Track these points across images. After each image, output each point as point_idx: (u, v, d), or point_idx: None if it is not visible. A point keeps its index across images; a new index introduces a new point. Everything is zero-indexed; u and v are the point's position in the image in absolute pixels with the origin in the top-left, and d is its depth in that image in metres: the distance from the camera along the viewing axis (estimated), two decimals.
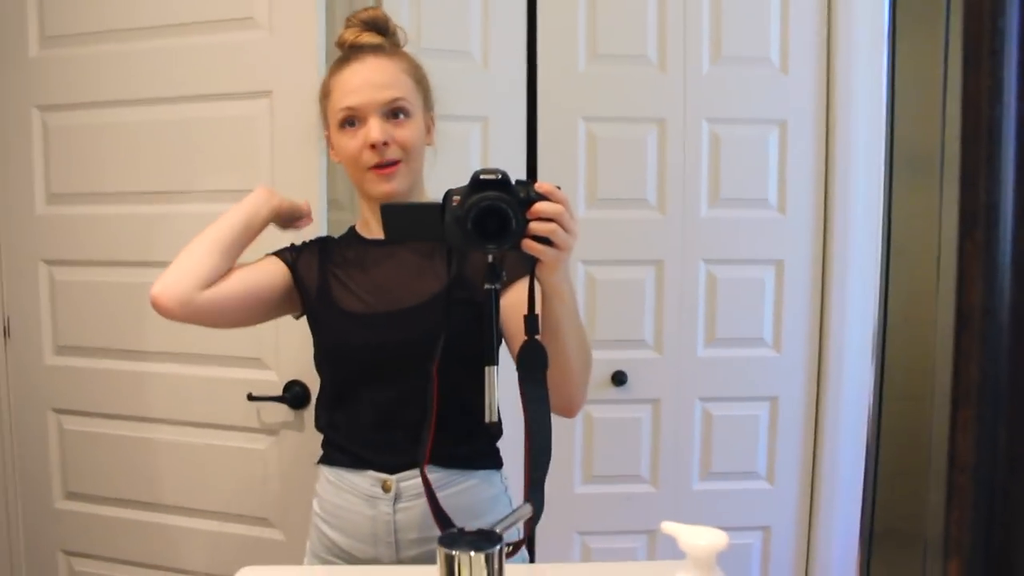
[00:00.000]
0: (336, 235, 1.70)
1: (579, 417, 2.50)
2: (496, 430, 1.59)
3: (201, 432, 2.21)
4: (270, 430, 2.14)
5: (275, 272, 1.58)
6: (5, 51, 2.31)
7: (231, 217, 1.56)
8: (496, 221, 1.17)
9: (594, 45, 2.44)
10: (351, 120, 1.50)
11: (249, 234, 1.57)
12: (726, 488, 2.57)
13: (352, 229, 1.66)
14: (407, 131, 1.51)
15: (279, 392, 2.08)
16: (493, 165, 1.21)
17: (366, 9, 1.60)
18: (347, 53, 1.56)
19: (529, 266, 1.24)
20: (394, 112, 1.50)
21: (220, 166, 2.12)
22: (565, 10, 2.44)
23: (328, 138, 1.59)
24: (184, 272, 1.48)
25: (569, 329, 1.30)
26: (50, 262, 2.34)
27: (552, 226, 1.18)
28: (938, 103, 2.45)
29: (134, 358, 2.26)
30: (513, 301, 1.37)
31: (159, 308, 1.48)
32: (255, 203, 1.59)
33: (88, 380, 2.32)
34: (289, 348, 2.05)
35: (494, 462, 1.60)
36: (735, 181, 2.49)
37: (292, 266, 1.59)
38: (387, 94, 1.50)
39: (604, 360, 2.47)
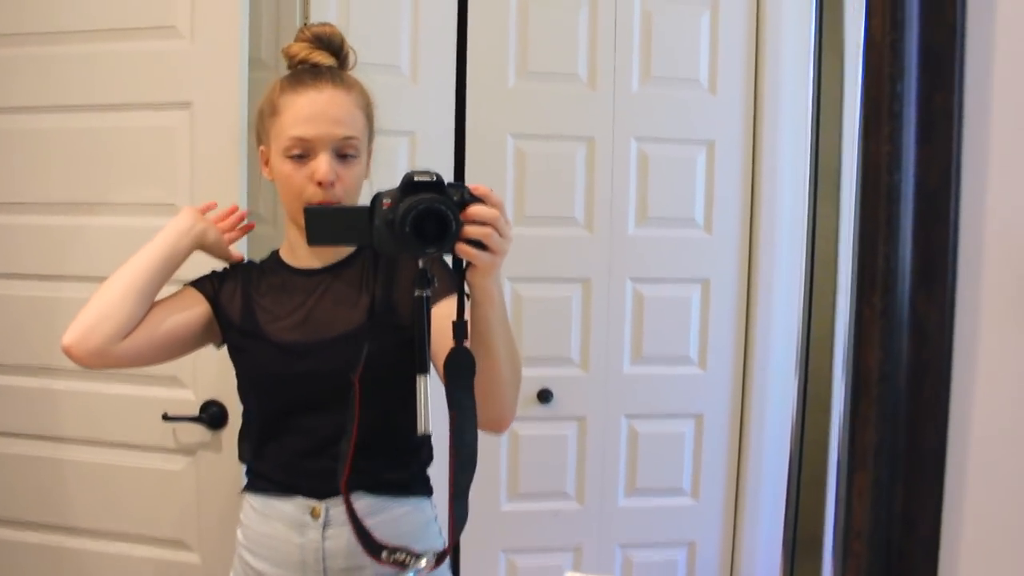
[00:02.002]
0: (257, 254, 1.66)
1: (505, 434, 2.50)
2: (426, 455, 1.57)
3: (114, 452, 2.14)
4: (187, 450, 2.08)
5: (195, 309, 1.54)
6: None
7: (150, 254, 1.50)
8: (435, 223, 1.14)
9: (524, 61, 2.43)
10: (300, 152, 1.45)
11: (169, 270, 1.52)
12: (651, 504, 2.58)
13: (276, 255, 1.62)
14: (353, 172, 1.49)
15: (196, 412, 2.03)
16: None
17: (321, 25, 1.55)
18: (299, 74, 1.50)
19: (455, 282, 1.22)
20: (344, 151, 1.46)
21: (137, 178, 2.06)
22: (495, 26, 2.42)
23: (263, 153, 1.54)
24: (98, 321, 1.43)
25: (500, 335, 1.28)
26: None
27: (487, 230, 1.15)
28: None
29: (44, 375, 2.18)
30: (440, 316, 1.33)
31: (73, 359, 1.44)
32: (176, 234, 1.53)
33: None
34: (207, 367, 1.99)
35: (425, 489, 1.58)
36: (663, 200, 2.50)
37: (213, 300, 1.55)
38: (341, 131, 1.46)
39: (530, 377, 2.45)
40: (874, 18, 0.97)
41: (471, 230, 1.15)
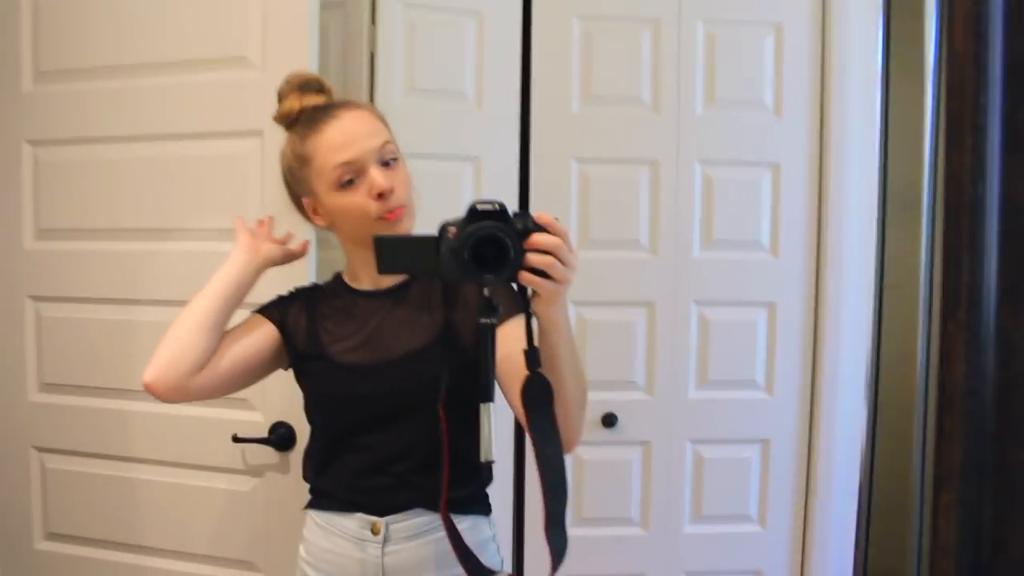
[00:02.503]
0: (322, 278, 1.68)
1: (569, 459, 2.47)
2: (487, 476, 1.57)
3: (184, 473, 2.17)
4: (255, 471, 2.10)
5: (265, 336, 1.56)
6: None
7: (216, 287, 1.53)
8: (494, 250, 1.15)
9: (588, 86, 2.45)
10: (350, 177, 1.47)
11: (236, 300, 1.55)
12: (717, 531, 2.55)
13: (338, 278, 1.64)
14: (403, 175, 1.52)
15: (265, 433, 2.05)
16: None
17: (290, 79, 1.58)
18: (307, 119, 1.53)
19: (520, 306, 1.22)
20: (385, 159, 1.49)
21: (209, 205, 2.10)
22: (559, 51, 2.44)
23: (307, 207, 1.57)
24: (175, 357, 1.47)
25: (566, 363, 1.27)
26: (36, 298, 2.31)
27: (550, 259, 1.15)
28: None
29: (118, 396, 2.22)
30: (505, 337, 1.33)
31: (154, 395, 1.48)
32: (238, 269, 1.57)
33: (71, 418, 2.28)
34: (276, 389, 2.01)
35: (484, 508, 1.59)
36: (727, 223, 2.48)
37: (281, 324, 1.58)
38: (377, 140, 1.49)
39: (595, 401, 2.41)
40: (956, 31, 0.96)
41: (533, 258, 1.15)
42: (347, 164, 1.46)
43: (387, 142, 1.50)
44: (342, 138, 1.47)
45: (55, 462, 2.32)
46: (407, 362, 1.48)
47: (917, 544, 2.45)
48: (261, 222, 1.71)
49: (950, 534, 0.93)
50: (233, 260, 1.57)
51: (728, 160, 2.48)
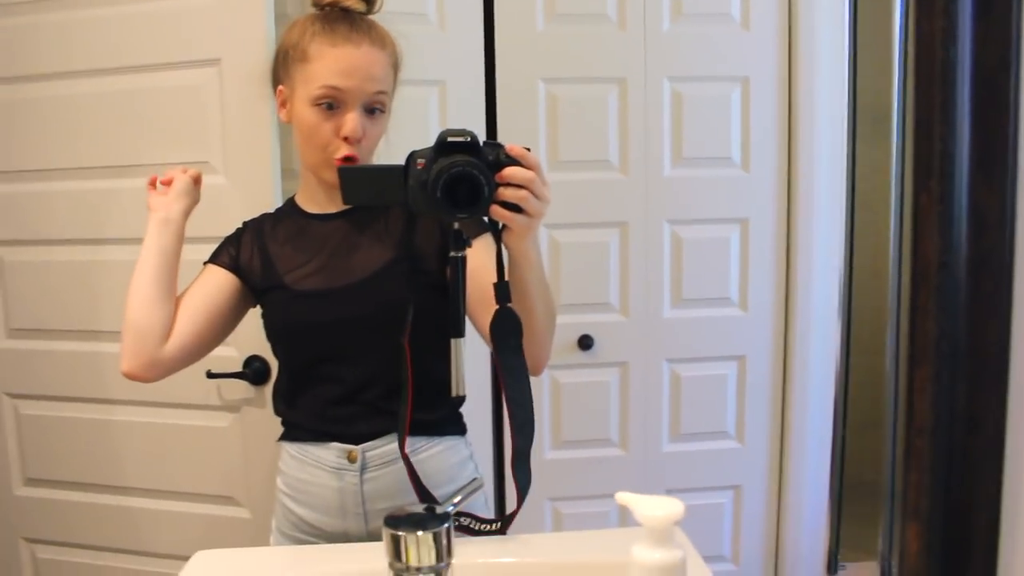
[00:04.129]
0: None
1: (546, 383, 2.49)
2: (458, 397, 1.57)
3: (161, 412, 2.17)
4: (231, 407, 2.09)
5: (223, 286, 1.51)
6: None
7: (148, 260, 1.46)
8: (467, 188, 1.12)
9: (552, 4, 2.39)
10: (330, 102, 1.42)
11: (172, 262, 1.48)
12: (696, 449, 2.57)
13: (291, 201, 1.60)
14: (379, 128, 1.47)
15: (239, 368, 2.04)
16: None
17: None
18: (333, 21, 1.45)
19: (487, 226, 1.21)
20: (372, 107, 1.44)
21: (169, 138, 2.06)
22: None
23: (281, 94, 1.51)
24: (138, 339, 1.42)
25: (536, 293, 1.27)
26: (1, 242, 2.27)
27: (524, 193, 1.13)
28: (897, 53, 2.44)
29: (88, 338, 2.20)
30: (472, 266, 1.30)
31: (137, 380, 1.45)
32: (159, 232, 1.48)
33: (42, 363, 2.26)
34: (248, 323, 1.98)
35: (458, 428, 1.58)
36: (698, 140, 2.46)
37: (234, 268, 1.53)
38: (374, 86, 1.43)
39: (570, 324, 2.44)
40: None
41: (506, 193, 1.13)
42: (333, 90, 1.41)
43: (382, 92, 1.45)
44: (345, 64, 1.41)
45: (29, 408, 2.30)
46: (368, 284, 1.45)
47: (892, 429, 2.47)
48: (165, 181, 1.57)
49: (925, 413, 0.93)
50: (151, 227, 1.49)
51: (696, 75, 2.44)
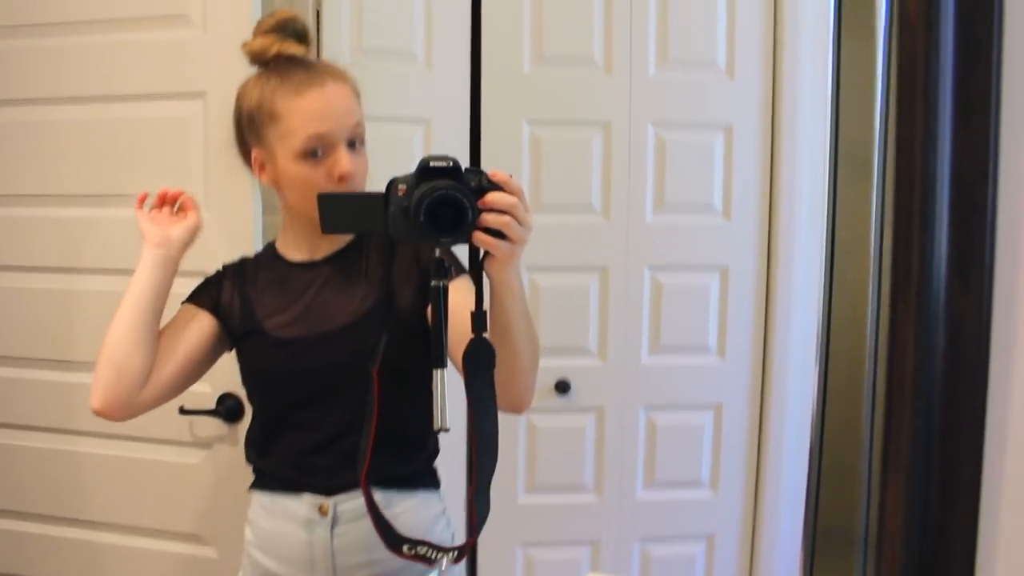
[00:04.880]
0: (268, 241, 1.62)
1: (522, 426, 2.47)
2: (433, 448, 1.55)
3: (131, 445, 2.13)
4: (203, 444, 2.06)
5: (203, 328, 1.49)
6: None
7: (139, 295, 1.43)
8: (450, 212, 1.10)
9: (539, 46, 2.40)
10: (315, 150, 1.39)
11: (163, 300, 1.45)
12: (670, 497, 2.55)
13: (272, 249, 1.57)
14: (364, 159, 1.45)
15: (212, 404, 2.01)
16: None
17: (276, 15, 1.48)
18: (287, 71, 1.43)
19: (460, 267, 1.19)
20: (353, 140, 1.42)
21: (152, 168, 2.04)
22: (510, 10, 2.39)
23: (255, 159, 1.47)
24: (116, 379, 1.39)
25: (519, 325, 1.24)
26: None
27: (506, 218, 1.11)
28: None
29: (60, 368, 2.17)
30: (451, 308, 1.26)
31: (107, 419, 1.42)
32: (154, 266, 1.45)
33: (12, 390, 2.22)
34: (223, 360, 1.97)
35: (432, 482, 1.56)
36: (680, 186, 2.46)
37: (215, 310, 1.51)
38: (351, 119, 1.42)
39: (548, 368, 2.42)
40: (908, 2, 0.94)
41: (489, 218, 1.11)
42: (319, 137, 1.38)
43: (360, 123, 1.43)
44: (319, 107, 1.39)
45: None
46: (345, 333, 1.43)
47: (865, 510, 2.47)
48: (162, 199, 1.55)
49: (898, 522, 0.92)
50: (147, 259, 1.45)
51: (681, 122, 2.46)
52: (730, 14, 2.45)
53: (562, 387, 2.45)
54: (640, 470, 2.53)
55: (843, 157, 2.52)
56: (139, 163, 2.05)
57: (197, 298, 1.52)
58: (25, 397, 2.21)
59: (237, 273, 1.55)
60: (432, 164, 1.12)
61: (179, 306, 1.52)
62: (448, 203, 1.10)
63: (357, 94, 1.47)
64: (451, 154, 1.15)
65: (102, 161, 2.09)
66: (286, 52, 1.44)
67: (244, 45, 1.47)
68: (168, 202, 1.54)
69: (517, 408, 1.33)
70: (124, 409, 1.41)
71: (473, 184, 1.12)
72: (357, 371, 1.35)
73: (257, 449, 1.53)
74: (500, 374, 1.20)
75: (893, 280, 0.91)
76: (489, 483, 1.21)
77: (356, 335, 1.42)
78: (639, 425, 2.51)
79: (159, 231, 1.47)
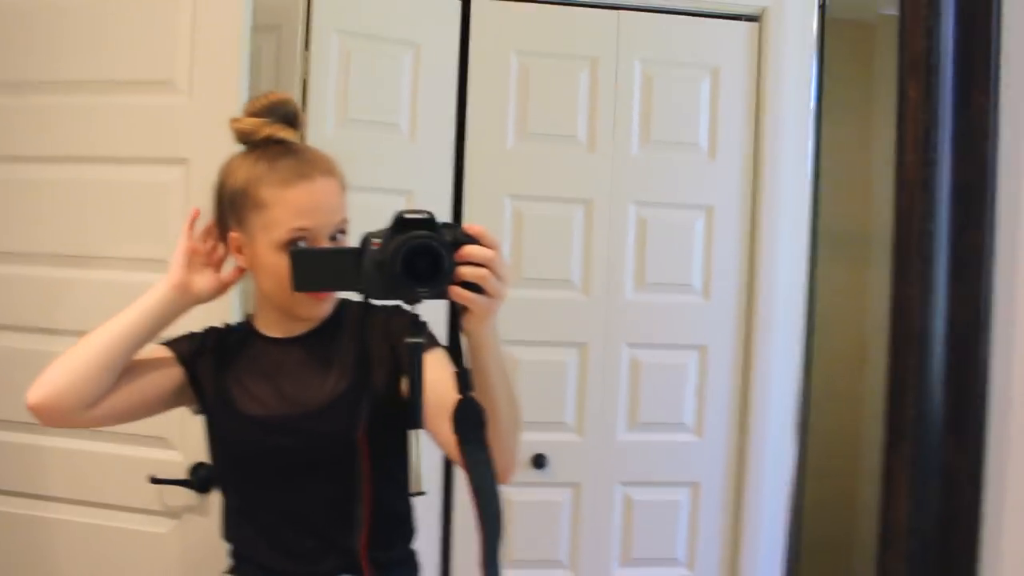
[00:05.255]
0: (247, 308, 1.60)
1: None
2: (409, 529, 1.52)
3: (100, 512, 2.08)
4: (173, 513, 2.03)
5: (170, 375, 1.47)
6: None
7: (131, 324, 1.40)
8: (427, 261, 1.07)
9: (524, 122, 2.43)
10: (297, 243, 1.37)
11: (149, 339, 1.43)
12: (646, 574, 2.52)
13: (249, 325, 1.55)
14: None
15: (184, 474, 1.98)
16: None
17: (270, 96, 1.47)
18: (276, 161, 1.41)
19: (437, 342, 1.17)
20: (336, 235, 1.41)
21: (131, 232, 2.03)
22: (496, 86, 2.43)
23: (233, 241, 1.45)
24: (67, 388, 1.35)
25: (499, 384, 1.21)
26: None
27: (484, 272, 1.08)
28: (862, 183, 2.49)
29: (30, 430, 2.11)
30: (427, 381, 1.23)
31: (38, 419, 1.38)
32: (162, 306, 1.42)
33: None
34: (195, 428, 1.94)
35: (413, 568, 1.53)
36: (661, 265, 2.49)
37: (189, 366, 1.48)
38: (337, 216, 1.41)
39: (525, 442, 2.31)
40: (907, 155, 0.96)
41: (466, 271, 1.08)
42: (303, 231, 1.37)
43: (345, 219, 1.42)
44: (306, 203, 1.38)
45: None
46: (318, 415, 1.41)
47: None
48: (209, 231, 1.50)
49: None
50: (158, 296, 1.43)
51: (662, 201, 2.49)
52: (713, 96, 2.50)
53: (539, 461, 2.44)
54: (616, 546, 2.50)
55: (822, 236, 2.55)
56: (119, 226, 2.04)
57: (176, 345, 1.49)
58: None
59: (219, 341, 1.53)
60: (407, 216, 1.10)
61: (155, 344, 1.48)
62: (424, 252, 1.07)
63: (344, 188, 1.46)
64: None
65: (81, 222, 2.07)
66: (276, 136, 1.43)
67: (233, 122, 1.46)
68: (211, 236, 1.49)
69: (502, 475, 1.27)
70: (61, 418, 1.38)
71: (449, 237, 1.10)
72: (331, 451, 1.34)
73: (233, 528, 1.50)
74: None
75: (887, 435, 0.91)
76: (497, 550, 1.16)
77: (329, 417, 1.40)
78: (616, 501, 2.49)
79: (185, 275, 1.44)
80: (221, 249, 1.49)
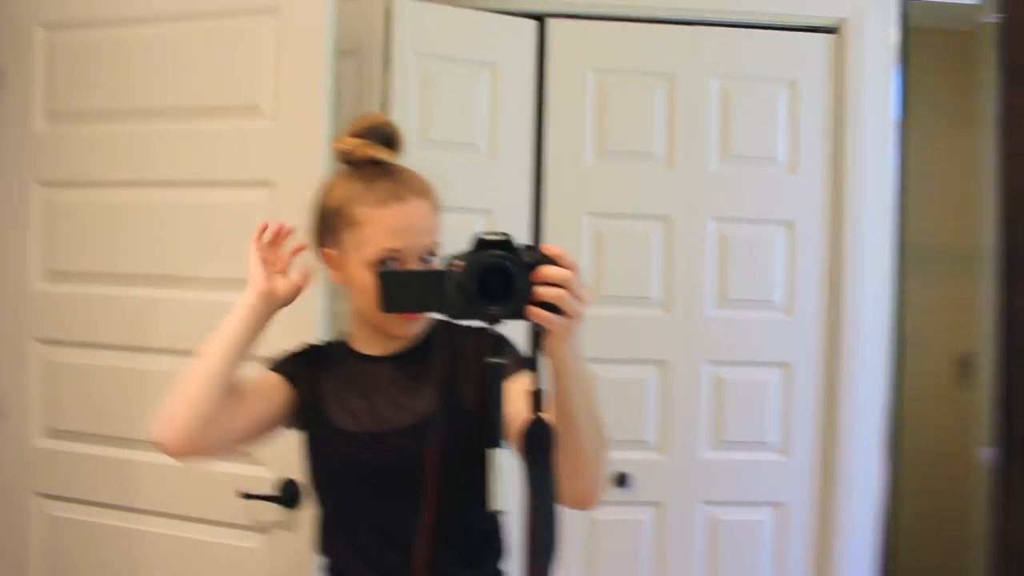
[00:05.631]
0: (335, 326, 1.62)
1: (581, 518, 2.43)
2: (498, 548, 1.52)
3: (188, 526, 2.13)
4: (261, 528, 2.06)
5: (280, 396, 1.49)
6: (10, 125, 2.29)
7: (228, 341, 1.41)
8: (500, 280, 1.09)
9: (602, 140, 2.44)
10: (387, 262, 1.40)
11: (248, 351, 1.45)
12: None
13: (344, 340, 1.58)
14: None
15: (272, 489, 2.01)
16: None
17: (371, 118, 1.51)
18: (373, 181, 1.44)
19: (529, 364, 1.17)
20: (426, 256, 1.43)
21: (219, 253, 2.08)
22: (573, 104, 2.44)
23: (328, 256, 1.50)
24: (185, 415, 1.37)
25: (581, 408, 1.19)
26: (42, 341, 2.28)
27: (560, 292, 1.08)
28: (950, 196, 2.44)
29: (122, 445, 2.19)
30: (514, 394, 1.26)
31: (165, 453, 1.40)
32: (251, 317, 1.44)
33: (75, 465, 2.25)
34: (285, 444, 1.98)
35: None
36: (741, 280, 2.47)
37: (294, 381, 1.51)
38: (428, 239, 1.43)
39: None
40: (1013, 165, 0.93)
41: (543, 291, 1.09)
42: (394, 251, 1.39)
43: (436, 242, 1.44)
44: (397, 224, 1.40)
45: (57, 509, 2.28)
46: (409, 433, 1.43)
47: None
48: (273, 241, 1.51)
49: None
50: (247, 305, 1.45)
51: (742, 217, 2.47)
52: (791, 110, 2.48)
53: (621, 480, 2.42)
54: (700, 568, 2.47)
55: (910, 249, 2.50)
56: (205, 247, 2.10)
57: (281, 367, 1.52)
58: (85, 472, 2.24)
59: (317, 357, 1.55)
60: (485, 237, 1.12)
61: (260, 370, 1.52)
62: (497, 271, 1.09)
63: (438, 210, 1.48)
64: None
65: (169, 243, 2.14)
66: (374, 156, 1.46)
67: (334, 142, 1.50)
68: (282, 238, 1.51)
69: (584, 502, 1.27)
70: (184, 449, 1.39)
71: (527, 258, 1.11)
72: (415, 470, 1.35)
73: (325, 541, 1.52)
74: (565, 463, 1.17)
75: (1001, 452, 0.88)
76: (548, 568, 1.15)
77: (420, 435, 1.40)
78: (699, 521, 2.46)
79: (266, 280, 1.46)
80: (286, 256, 1.52)
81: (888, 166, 2.46)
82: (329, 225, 1.48)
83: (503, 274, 1.09)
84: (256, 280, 1.47)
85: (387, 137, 1.48)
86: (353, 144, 1.47)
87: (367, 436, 1.45)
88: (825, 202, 2.47)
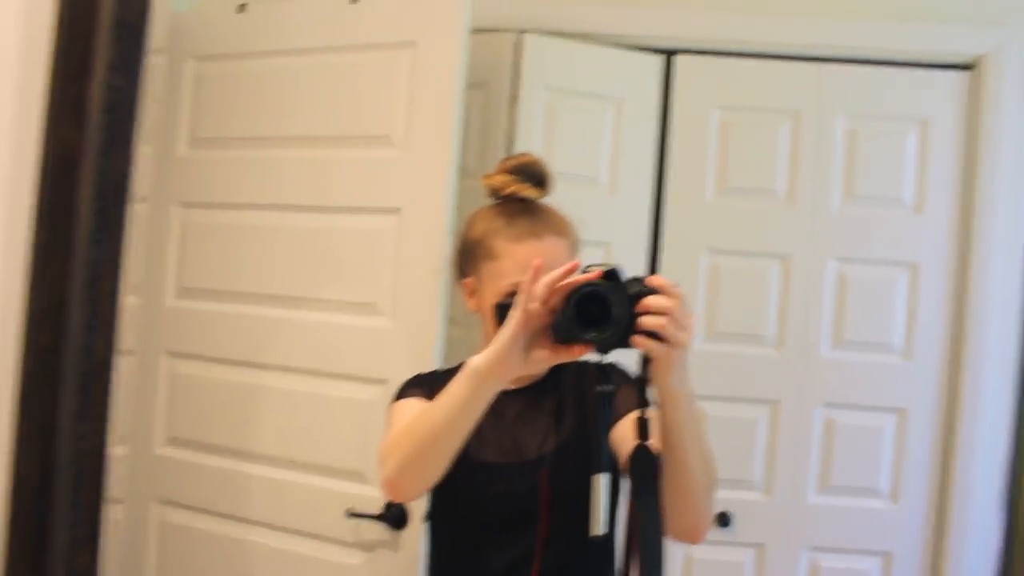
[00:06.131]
0: (453, 356, 1.64)
1: (679, 555, 2.42)
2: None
3: (296, 539, 2.18)
4: (366, 546, 2.10)
5: None
6: (155, 148, 2.39)
7: (471, 413, 1.28)
8: (597, 307, 1.13)
9: (724, 176, 2.43)
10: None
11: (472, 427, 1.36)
12: None
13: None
14: None
15: (378, 508, 2.06)
16: None
17: (523, 156, 1.54)
18: (514, 217, 1.46)
19: (640, 393, 1.19)
20: None
21: (342, 277, 2.13)
22: (697, 140, 2.44)
23: (466, 286, 1.54)
24: (416, 475, 1.34)
25: (688, 439, 1.19)
26: (172, 354, 2.38)
27: (661, 320, 1.10)
28: None
29: (238, 457, 2.26)
30: (624, 432, 1.27)
31: (388, 494, 1.43)
32: (496, 386, 1.27)
33: (193, 474, 2.33)
34: None
35: None
36: (860, 323, 2.42)
37: None
38: None
39: None
40: None
41: (645, 321, 1.11)
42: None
43: None
44: (531, 260, 1.35)
45: (172, 515, 2.37)
46: (538, 465, 1.45)
47: None
48: (550, 289, 1.17)
49: None
50: (487, 385, 1.25)
51: (864, 258, 2.42)
52: (920, 149, 2.42)
53: (723, 519, 2.40)
54: None
55: None
56: (331, 271, 2.15)
57: (428, 394, 1.46)
58: (200, 481, 2.32)
59: (447, 384, 1.56)
60: (591, 267, 1.17)
61: (401, 403, 1.51)
62: (594, 298, 1.13)
63: (574, 247, 1.51)
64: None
65: (296, 265, 2.20)
66: (521, 193, 1.49)
67: (485, 178, 1.53)
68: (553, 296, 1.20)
69: (691, 535, 1.28)
70: (405, 498, 1.57)
71: (633, 289, 1.14)
72: (544, 505, 1.39)
73: (440, 567, 1.56)
74: (671, 494, 1.19)
75: None
76: None
77: (548, 467, 1.44)
78: (801, 566, 2.42)
79: (520, 355, 1.20)
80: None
81: (1021, 208, 2.38)
82: (469, 256, 1.52)
83: (600, 301, 1.13)
84: (512, 356, 1.21)
85: (535, 176, 1.51)
86: (502, 180, 1.50)
87: (496, 467, 1.47)
88: (952, 244, 2.41)
